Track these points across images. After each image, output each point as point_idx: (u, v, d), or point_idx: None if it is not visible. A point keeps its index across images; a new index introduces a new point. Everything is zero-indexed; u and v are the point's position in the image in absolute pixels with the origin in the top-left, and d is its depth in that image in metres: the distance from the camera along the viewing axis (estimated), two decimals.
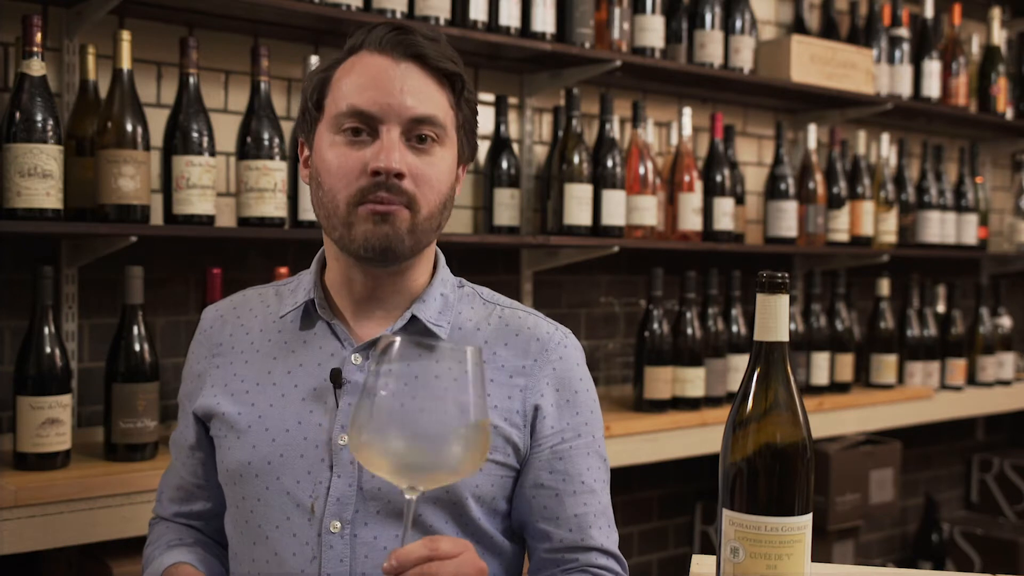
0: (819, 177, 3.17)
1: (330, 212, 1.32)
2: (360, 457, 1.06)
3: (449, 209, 1.38)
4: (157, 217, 2.16)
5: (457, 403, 1.04)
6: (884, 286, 3.45)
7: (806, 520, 1.09)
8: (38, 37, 1.90)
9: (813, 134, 3.20)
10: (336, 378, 1.33)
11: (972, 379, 3.67)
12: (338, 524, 1.30)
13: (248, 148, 2.15)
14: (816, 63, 3.11)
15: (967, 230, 3.72)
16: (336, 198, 1.31)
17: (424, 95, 1.31)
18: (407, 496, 1.07)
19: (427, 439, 1.03)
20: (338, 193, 1.31)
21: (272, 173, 2.15)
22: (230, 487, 1.39)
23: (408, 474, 1.05)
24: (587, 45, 2.62)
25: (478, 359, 1.06)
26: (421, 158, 1.31)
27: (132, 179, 1.99)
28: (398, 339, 1.05)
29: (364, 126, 1.30)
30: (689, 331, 2.78)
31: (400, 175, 1.29)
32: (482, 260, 2.77)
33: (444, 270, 1.44)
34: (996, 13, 3.75)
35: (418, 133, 1.31)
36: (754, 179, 3.35)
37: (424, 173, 1.31)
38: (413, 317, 1.37)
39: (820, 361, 3.14)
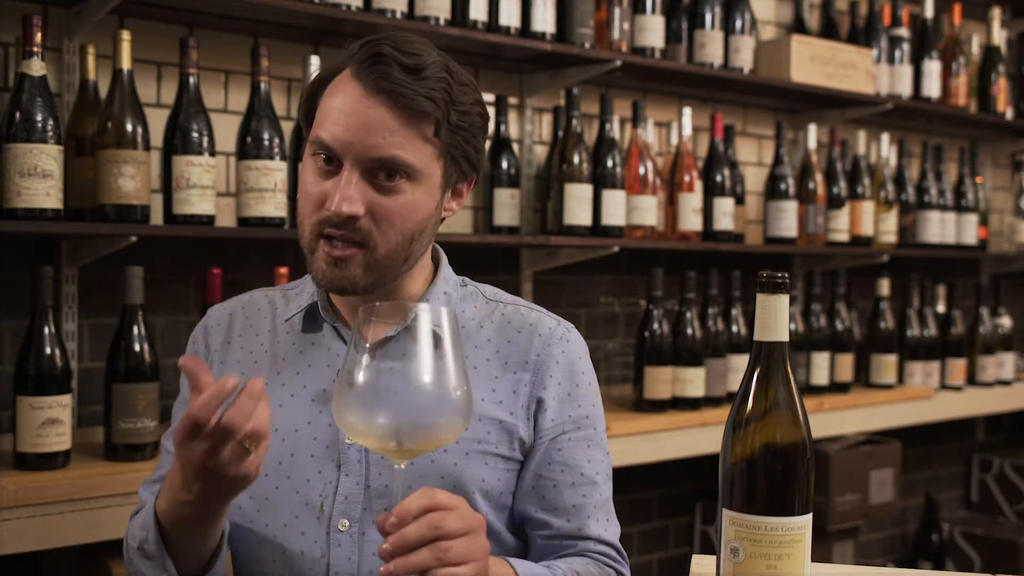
0: (819, 177, 3.17)
1: (300, 232, 1.33)
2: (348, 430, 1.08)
3: (424, 239, 1.34)
4: (157, 217, 2.16)
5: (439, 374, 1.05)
6: (884, 286, 3.45)
7: (806, 520, 1.09)
8: (38, 37, 1.90)
9: (813, 134, 3.20)
10: None
11: (972, 379, 3.67)
12: (346, 522, 1.31)
13: (248, 148, 2.15)
14: (816, 63, 3.11)
15: (967, 230, 3.71)
16: (303, 223, 1.31)
17: (391, 134, 1.25)
18: (396, 466, 1.10)
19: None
20: (304, 219, 1.31)
21: (272, 173, 2.15)
22: None
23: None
24: (587, 45, 2.62)
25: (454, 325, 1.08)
26: (386, 196, 1.27)
27: (132, 179, 1.99)
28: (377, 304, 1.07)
29: (332, 156, 1.27)
30: (689, 331, 2.78)
31: (354, 217, 1.25)
32: (482, 260, 2.77)
33: (447, 268, 1.44)
34: (996, 13, 3.75)
35: (384, 171, 1.27)
36: (754, 179, 3.35)
37: (386, 211, 1.27)
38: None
39: (820, 361, 3.14)
